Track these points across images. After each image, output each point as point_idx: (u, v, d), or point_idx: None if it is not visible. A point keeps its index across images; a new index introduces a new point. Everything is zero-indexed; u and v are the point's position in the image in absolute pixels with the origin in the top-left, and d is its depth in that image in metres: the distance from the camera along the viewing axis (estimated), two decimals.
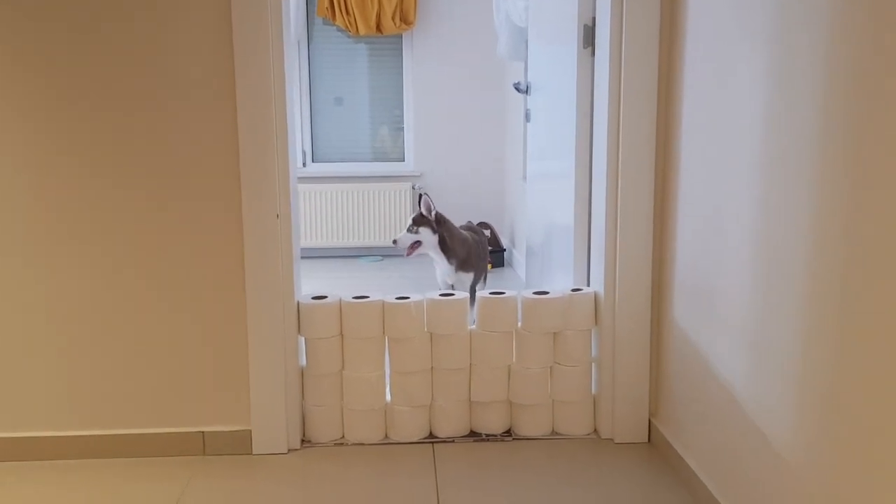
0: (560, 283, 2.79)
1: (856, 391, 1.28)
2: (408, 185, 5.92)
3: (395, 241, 3.55)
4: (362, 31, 5.72)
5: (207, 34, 2.14)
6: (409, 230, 3.51)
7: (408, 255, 3.54)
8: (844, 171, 1.30)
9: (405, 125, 6.06)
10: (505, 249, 5.68)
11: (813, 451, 1.43)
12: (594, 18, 2.37)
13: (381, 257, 5.91)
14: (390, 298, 2.37)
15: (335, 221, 5.89)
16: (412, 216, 3.53)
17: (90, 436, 2.29)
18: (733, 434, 1.78)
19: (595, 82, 2.38)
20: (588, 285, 2.55)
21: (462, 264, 3.49)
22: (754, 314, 1.65)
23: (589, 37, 2.44)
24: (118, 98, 2.16)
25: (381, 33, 5.77)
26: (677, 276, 2.14)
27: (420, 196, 3.54)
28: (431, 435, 2.43)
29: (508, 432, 2.45)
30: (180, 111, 2.17)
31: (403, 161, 6.11)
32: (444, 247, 3.46)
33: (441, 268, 3.52)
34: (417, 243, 3.49)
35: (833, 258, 1.34)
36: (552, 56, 2.93)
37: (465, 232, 3.62)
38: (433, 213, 3.46)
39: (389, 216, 5.92)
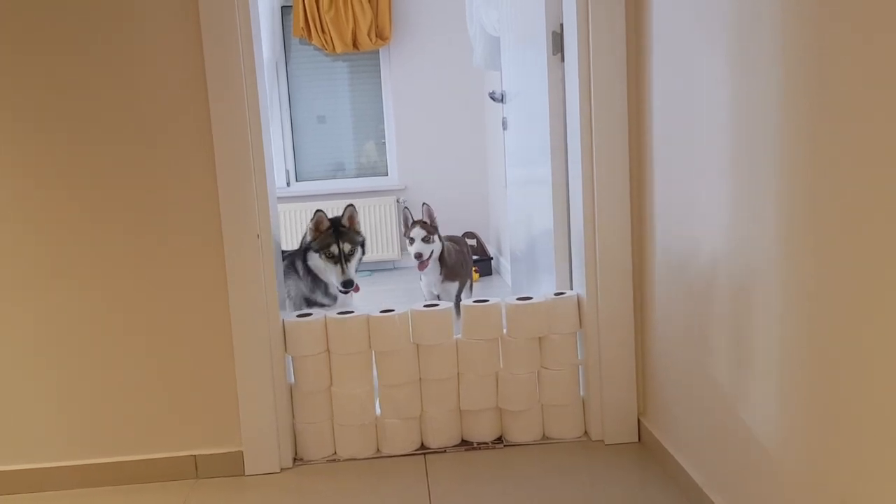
0: (545, 288, 2.81)
1: (835, 383, 1.30)
2: (392, 198, 5.95)
3: (419, 255, 3.36)
4: (339, 49, 5.75)
5: (180, 60, 2.15)
6: (424, 241, 3.37)
7: (423, 268, 3.39)
8: (808, 166, 1.32)
9: (387, 139, 6.10)
10: (492, 258, 5.71)
11: (797, 443, 1.45)
12: (562, 25, 2.40)
13: (370, 272, 5.92)
14: (375, 312, 2.38)
15: None
16: (416, 225, 3.39)
17: (82, 465, 2.28)
18: (720, 430, 1.80)
19: (566, 88, 2.41)
20: (571, 289, 2.57)
21: (449, 274, 3.50)
22: (732, 310, 1.67)
23: (558, 43, 2.47)
24: (93, 125, 2.17)
25: (358, 50, 5.81)
26: (657, 276, 2.17)
27: (423, 205, 3.49)
28: (423, 446, 2.44)
29: (500, 439, 2.46)
30: (156, 136, 2.18)
31: (387, 175, 6.14)
32: (441, 257, 3.45)
33: (430, 278, 3.50)
34: (431, 254, 3.39)
35: (803, 250, 1.36)
36: (524, 64, 2.96)
37: (447, 242, 3.63)
38: (435, 221, 3.43)
39: (376, 231, 5.94)
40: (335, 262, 2.81)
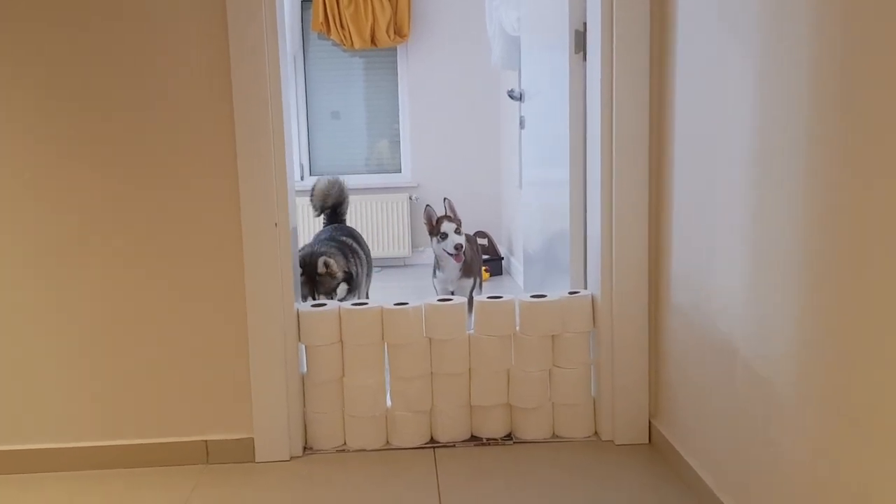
0: (559, 289, 2.80)
1: (856, 390, 1.30)
2: (405, 195, 5.95)
3: (459, 246, 3.31)
4: (357, 44, 5.76)
5: (203, 45, 2.17)
6: (457, 233, 3.33)
7: (460, 260, 3.34)
8: (833, 170, 1.32)
9: (401, 136, 6.10)
10: (503, 258, 5.70)
11: (814, 448, 1.44)
12: (585, 24, 2.40)
13: (379, 268, 5.93)
14: (389, 304, 2.38)
15: None
16: (444, 220, 3.36)
17: (94, 447, 2.30)
18: (734, 434, 1.79)
19: (587, 87, 2.41)
20: (585, 288, 2.57)
21: (467, 270, 3.49)
22: (750, 313, 1.67)
23: (580, 42, 2.47)
24: (117, 113, 2.19)
25: (376, 46, 5.82)
26: (673, 277, 2.16)
27: (444, 199, 3.46)
28: (432, 440, 2.44)
29: (509, 436, 2.46)
30: (178, 124, 2.20)
31: (400, 172, 6.15)
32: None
33: (447, 273, 3.49)
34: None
35: (826, 254, 1.36)
36: (545, 63, 2.97)
37: None
38: (457, 215, 3.42)
39: (387, 227, 5.94)
40: None
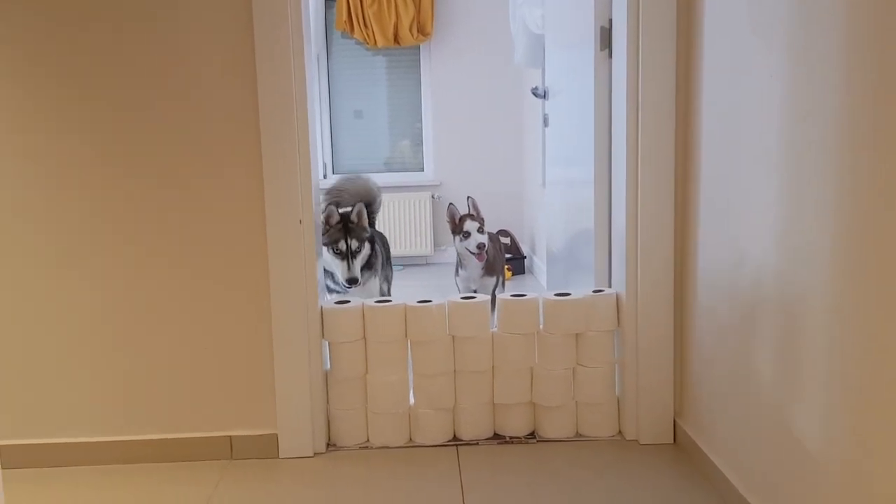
0: (581, 289, 2.78)
1: (886, 390, 1.28)
2: (427, 194, 5.95)
3: (482, 245, 3.34)
4: (380, 43, 5.78)
5: (229, 41, 2.18)
6: (479, 231, 3.36)
7: (483, 259, 3.37)
8: (865, 163, 1.30)
9: (424, 135, 6.11)
10: (525, 257, 5.69)
11: (842, 448, 1.42)
12: (611, 20, 2.38)
13: (401, 266, 5.94)
14: (412, 302, 2.38)
15: None
16: (466, 219, 3.37)
17: (119, 441, 2.32)
18: (761, 433, 1.77)
19: (613, 84, 2.39)
20: (610, 286, 2.55)
21: (489, 268, 3.49)
22: (779, 311, 1.65)
23: (606, 39, 2.45)
24: (142, 112, 2.21)
25: (399, 45, 5.83)
26: (700, 275, 2.14)
27: (468, 198, 3.48)
28: (455, 438, 2.44)
29: (532, 434, 2.45)
30: (205, 122, 2.21)
31: (423, 171, 6.15)
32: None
33: (469, 272, 3.49)
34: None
35: (859, 254, 1.34)
36: (569, 60, 2.95)
37: None
38: (480, 213, 3.43)
39: (410, 226, 5.95)
40: (342, 258, 2.95)
